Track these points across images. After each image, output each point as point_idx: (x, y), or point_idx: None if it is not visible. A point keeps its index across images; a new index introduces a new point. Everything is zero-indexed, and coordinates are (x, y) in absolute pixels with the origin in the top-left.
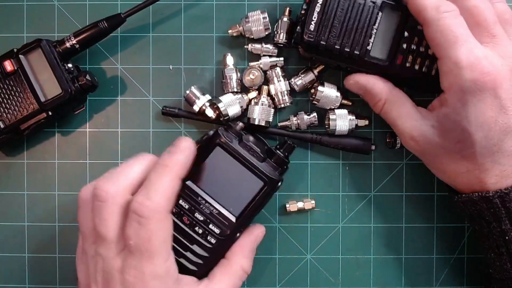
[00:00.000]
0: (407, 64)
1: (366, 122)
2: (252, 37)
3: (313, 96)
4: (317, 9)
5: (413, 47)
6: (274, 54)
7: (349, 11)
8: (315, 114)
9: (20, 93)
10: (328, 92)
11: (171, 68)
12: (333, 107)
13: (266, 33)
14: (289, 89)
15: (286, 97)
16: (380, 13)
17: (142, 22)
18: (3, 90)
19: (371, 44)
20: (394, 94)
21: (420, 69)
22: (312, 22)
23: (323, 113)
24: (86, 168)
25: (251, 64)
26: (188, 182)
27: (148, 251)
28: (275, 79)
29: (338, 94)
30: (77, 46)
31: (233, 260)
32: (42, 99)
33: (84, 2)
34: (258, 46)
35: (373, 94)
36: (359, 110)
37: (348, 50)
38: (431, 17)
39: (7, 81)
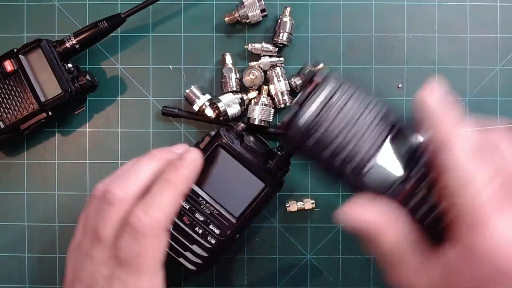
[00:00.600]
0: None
1: None
2: (248, 21)
3: None
4: (321, 98)
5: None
6: (274, 54)
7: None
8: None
9: (20, 93)
10: None
11: (171, 68)
12: None
13: (263, 14)
14: (289, 89)
15: (286, 97)
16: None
17: (142, 22)
18: (3, 90)
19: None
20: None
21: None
22: (311, 110)
23: None
24: (86, 168)
25: (251, 64)
26: None
27: (137, 267)
28: (275, 79)
29: None
30: (77, 46)
31: None
32: (42, 99)
33: (84, 2)
34: (258, 46)
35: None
36: None
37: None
38: (461, 195)
39: (7, 81)
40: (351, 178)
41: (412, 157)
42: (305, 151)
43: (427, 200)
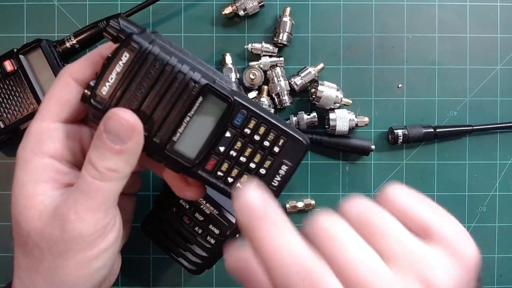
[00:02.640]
0: (219, 173)
1: (366, 122)
2: (246, 13)
3: (313, 96)
4: (118, 69)
5: (233, 153)
6: (274, 54)
7: (159, 84)
8: (315, 114)
9: (20, 93)
10: (328, 92)
11: None
12: (333, 107)
13: (260, 5)
14: (289, 89)
15: (286, 97)
16: (200, 98)
17: (142, 22)
18: (3, 90)
19: (178, 134)
20: None
21: (233, 183)
22: (107, 84)
23: (323, 113)
24: None
25: (251, 64)
26: None
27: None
28: (275, 79)
29: (338, 94)
30: (77, 46)
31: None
32: (42, 99)
33: (84, 2)
34: (258, 46)
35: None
36: (359, 110)
37: (145, 133)
38: None
39: (7, 81)
40: (159, 148)
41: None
42: None
43: (240, 163)
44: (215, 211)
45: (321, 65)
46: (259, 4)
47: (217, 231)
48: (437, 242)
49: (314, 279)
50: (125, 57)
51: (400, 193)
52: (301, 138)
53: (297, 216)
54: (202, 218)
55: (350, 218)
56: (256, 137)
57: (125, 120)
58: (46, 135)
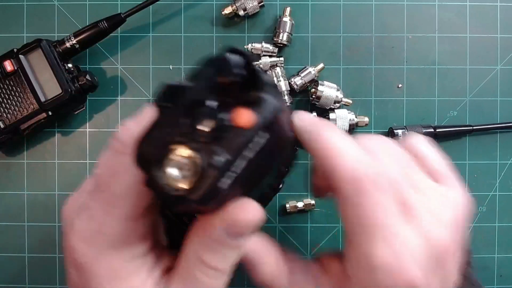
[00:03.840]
0: None
1: (366, 122)
2: (246, 13)
3: (313, 96)
4: (249, 154)
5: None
6: (274, 54)
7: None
8: (315, 114)
9: (20, 93)
10: (328, 92)
11: (171, 68)
12: (333, 107)
13: (260, 5)
14: (289, 89)
15: (286, 97)
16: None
17: (142, 22)
18: (3, 90)
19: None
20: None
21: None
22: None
23: (323, 113)
24: (86, 168)
25: None
26: None
27: None
28: (275, 79)
29: (338, 94)
30: (77, 46)
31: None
32: (42, 99)
33: (84, 2)
34: (258, 46)
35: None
36: (359, 110)
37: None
38: (346, 193)
39: (7, 81)
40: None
41: None
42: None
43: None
44: None
45: (321, 65)
46: (259, 4)
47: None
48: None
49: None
50: (261, 138)
51: (420, 141)
52: None
53: (297, 216)
54: None
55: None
56: None
57: (252, 218)
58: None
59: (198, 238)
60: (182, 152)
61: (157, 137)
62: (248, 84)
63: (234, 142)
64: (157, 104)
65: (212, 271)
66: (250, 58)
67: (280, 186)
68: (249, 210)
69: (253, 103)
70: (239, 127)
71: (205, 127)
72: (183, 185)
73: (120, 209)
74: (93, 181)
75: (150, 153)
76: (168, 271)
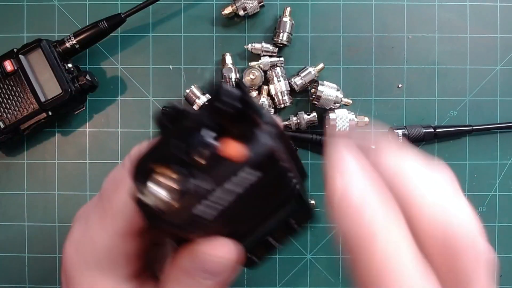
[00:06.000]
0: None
1: (366, 122)
2: (246, 13)
3: (313, 96)
4: (238, 189)
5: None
6: (274, 54)
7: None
8: (315, 114)
9: (20, 93)
10: (328, 92)
11: (171, 68)
12: (333, 107)
13: (260, 5)
14: (289, 89)
15: (286, 97)
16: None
17: (142, 22)
18: (3, 90)
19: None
20: None
21: None
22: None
23: (323, 113)
24: (86, 168)
25: (251, 64)
26: None
27: None
28: (275, 79)
29: (338, 94)
30: (77, 46)
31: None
32: (42, 99)
33: (84, 2)
34: (258, 46)
35: None
36: (359, 110)
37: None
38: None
39: (7, 81)
40: None
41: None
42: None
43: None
44: None
45: (321, 65)
46: (259, 4)
47: None
48: None
49: None
50: (249, 175)
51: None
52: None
53: None
54: None
55: None
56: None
57: (223, 254)
58: None
59: (173, 268)
60: (167, 173)
61: (150, 156)
62: (246, 118)
63: (218, 172)
64: (158, 122)
65: None
66: (245, 91)
67: (284, 241)
68: (222, 245)
69: (246, 138)
70: (227, 158)
71: (195, 153)
72: (162, 206)
73: (114, 223)
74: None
75: (140, 171)
76: None
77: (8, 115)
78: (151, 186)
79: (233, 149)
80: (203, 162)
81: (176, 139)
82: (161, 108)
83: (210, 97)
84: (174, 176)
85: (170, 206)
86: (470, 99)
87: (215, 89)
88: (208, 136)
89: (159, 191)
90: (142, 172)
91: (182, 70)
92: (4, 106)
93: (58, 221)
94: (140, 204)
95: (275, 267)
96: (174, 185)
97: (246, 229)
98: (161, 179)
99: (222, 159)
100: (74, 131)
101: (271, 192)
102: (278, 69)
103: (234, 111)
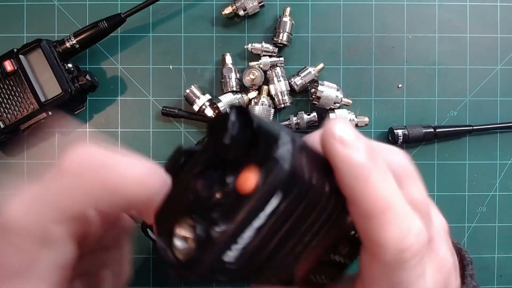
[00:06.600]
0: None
1: (366, 122)
2: (246, 13)
3: (313, 96)
4: (259, 221)
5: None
6: (274, 54)
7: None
8: (315, 114)
9: (20, 93)
10: (328, 92)
11: (171, 68)
12: (333, 107)
13: (260, 5)
14: (289, 89)
15: (286, 97)
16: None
17: (142, 22)
18: (3, 90)
19: None
20: None
21: None
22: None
23: (323, 113)
24: None
25: (251, 64)
26: None
27: None
28: (275, 79)
29: (338, 94)
30: (77, 46)
31: None
32: (42, 99)
33: (84, 2)
34: (258, 46)
35: None
36: (359, 110)
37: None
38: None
39: (7, 81)
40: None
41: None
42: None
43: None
44: None
45: (321, 65)
46: (259, 4)
47: None
48: None
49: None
50: (270, 203)
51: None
52: None
53: None
54: None
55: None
56: None
57: None
58: None
59: None
60: (185, 223)
61: (165, 209)
62: (255, 144)
63: (235, 211)
64: (167, 169)
65: None
66: (248, 116)
67: (351, 255)
68: None
69: (263, 165)
70: (242, 193)
71: (209, 195)
72: (184, 258)
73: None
74: None
75: (162, 228)
76: None
77: (8, 115)
78: (174, 239)
79: (245, 180)
80: (220, 202)
81: (189, 184)
82: (161, 108)
83: (216, 132)
84: (192, 224)
85: (191, 257)
86: (470, 99)
87: (221, 124)
88: (219, 174)
89: (182, 244)
90: (165, 228)
91: (182, 70)
92: (4, 106)
93: None
94: (169, 261)
95: None
96: (200, 236)
97: (275, 254)
98: (181, 232)
99: (237, 195)
100: (74, 131)
101: (307, 209)
102: (278, 69)
103: (245, 144)
